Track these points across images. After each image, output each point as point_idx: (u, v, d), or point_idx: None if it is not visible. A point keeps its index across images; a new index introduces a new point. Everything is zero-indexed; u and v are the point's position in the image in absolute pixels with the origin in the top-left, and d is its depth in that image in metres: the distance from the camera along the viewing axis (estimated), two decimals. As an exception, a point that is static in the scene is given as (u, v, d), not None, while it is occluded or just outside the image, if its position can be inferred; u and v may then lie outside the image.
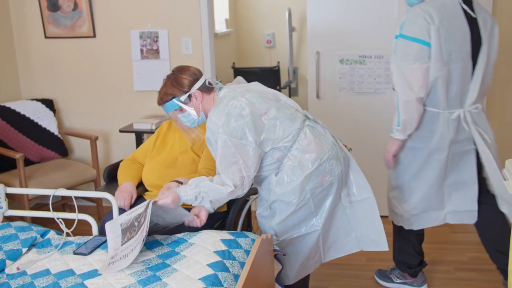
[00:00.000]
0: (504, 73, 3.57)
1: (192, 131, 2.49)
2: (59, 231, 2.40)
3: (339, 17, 3.62)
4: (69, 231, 2.37)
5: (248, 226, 2.90)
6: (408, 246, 2.84)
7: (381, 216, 2.37)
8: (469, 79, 2.46)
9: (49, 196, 2.47)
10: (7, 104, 3.90)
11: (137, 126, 3.76)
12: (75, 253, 2.18)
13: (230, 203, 2.57)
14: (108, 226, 2.19)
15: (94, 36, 4.02)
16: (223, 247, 2.04)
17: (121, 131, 3.81)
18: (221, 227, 2.58)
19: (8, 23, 4.10)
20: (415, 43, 2.36)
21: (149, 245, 2.17)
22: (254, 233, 2.34)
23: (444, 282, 2.99)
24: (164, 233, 2.30)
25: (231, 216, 2.56)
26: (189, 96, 2.27)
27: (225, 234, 2.15)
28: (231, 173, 2.13)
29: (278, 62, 5.87)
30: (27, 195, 3.45)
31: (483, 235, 2.69)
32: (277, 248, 2.19)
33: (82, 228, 2.58)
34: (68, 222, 2.41)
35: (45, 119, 4.03)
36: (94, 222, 2.44)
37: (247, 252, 2.05)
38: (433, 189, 2.61)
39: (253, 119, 2.16)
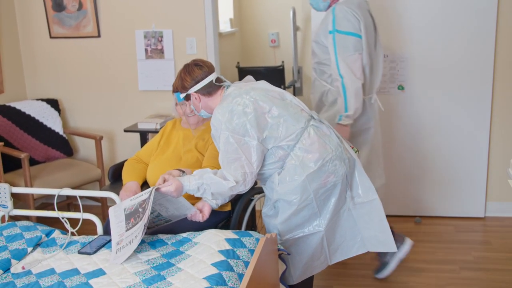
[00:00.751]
0: (507, 73, 3.56)
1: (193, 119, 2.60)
2: (64, 231, 2.41)
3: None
4: (74, 230, 2.37)
5: (253, 225, 2.90)
6: None
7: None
8: (379, 67, 2.88)
9: (54, 195, 2.49)
10: (13, 104, 3.92)
11: (142, 126, 3.77)
12: (80, 252, 2.18)
13: (235, 203, 2.57)
14: (111, 210, 2.19)
15: (99, 36, 4.03)
16: (227, 246, 2.04)
17: (125, 130, 3.82)
18: (225, 227, 2.58)
19: (14, 23, 4.11)
20: (351, 37, 2.69)
21: (153, 244, 2.17)
22: (259, 232, 2.34)
23: (450, 282, 2.98)
24: (168, 232, 2.30)
25: (236, 215, 2.56)
26: (189, 95, 2.34)
27: (230, 234, 2.15)
28: (233, 169, 2.13)
29: (283, 62, 5.86)
30: (32, 194, 3.45)
31: None
32: (282, 248, 2.19)
33: (87, 228, 2.59)
34: (73, 222, 2.42)
35: (50, 119, 4.04)
36: (99, 222, 2.45)
37: (252, 251, 2.05)
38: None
39: (256, 116, 2.16)
